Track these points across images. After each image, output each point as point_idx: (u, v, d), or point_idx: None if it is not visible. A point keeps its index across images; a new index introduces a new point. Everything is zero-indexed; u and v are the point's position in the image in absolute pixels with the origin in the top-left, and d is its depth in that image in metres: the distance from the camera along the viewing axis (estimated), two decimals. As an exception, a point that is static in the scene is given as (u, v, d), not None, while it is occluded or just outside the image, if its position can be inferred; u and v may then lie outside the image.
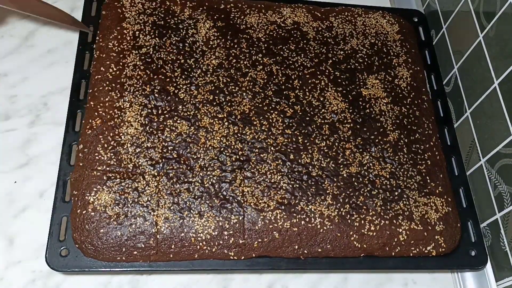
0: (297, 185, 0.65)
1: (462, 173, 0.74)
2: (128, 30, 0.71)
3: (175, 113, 0.67)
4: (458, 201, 0.71)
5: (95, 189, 0.61)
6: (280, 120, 0.69)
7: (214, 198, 0.63)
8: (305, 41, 0.77)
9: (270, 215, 0.63)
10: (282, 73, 0.73)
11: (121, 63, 0.69)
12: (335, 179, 0.66)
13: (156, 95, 0.68)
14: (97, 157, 0.63)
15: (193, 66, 0.71)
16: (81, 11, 0.75)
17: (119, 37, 0.71)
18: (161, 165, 0.64)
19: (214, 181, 0.64)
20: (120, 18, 0.72)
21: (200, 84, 0.70)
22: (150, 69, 0.69)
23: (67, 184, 0.63)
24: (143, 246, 0.60)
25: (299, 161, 0.67)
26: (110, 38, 0.71)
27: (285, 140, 0.68)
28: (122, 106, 0.66)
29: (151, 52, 0.70)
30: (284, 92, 0.72)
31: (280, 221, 0.63)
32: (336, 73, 0.75)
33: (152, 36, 0.72)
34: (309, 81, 0.73)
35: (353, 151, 0.69)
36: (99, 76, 0.68)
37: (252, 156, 0.66)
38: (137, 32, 0.72)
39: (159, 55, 0.71)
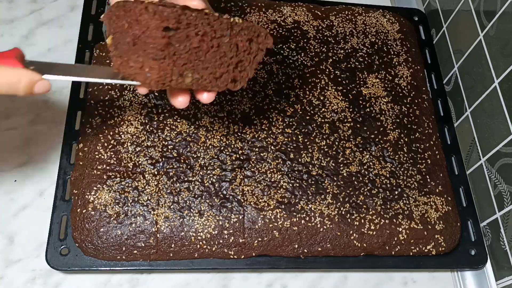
0: (297, 184, 0.65)
1: (462, 172, 0.74)
2: None
3: (175, 112, 0.67)
4: (458, 200, 0.71)
5: (95, 188, 0.61)
6: (280, 119, 0.69)
7: (214, 197, 0.63)
8: (305, 40, 0.77)
9: (270, 214, 0.63)
10: (282, 72, 0.73)
11: (121, 62, 0.69)
12: (335, 178, 0.66)
13: (156, 94, 0.68)
14: (97, 156, 0.63)
15: (193, 65, 0.71)
16: (81, 10, 0.75)
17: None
18: (161, 164, 0.64)
19: (214, 180, 0.64)
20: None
21: (200, 83, 0.70)
22: (150, 68, 0.69)
23: (67, 183, 0.63)
24: (143, 245, 0.60)
25: (299, 160, 0.67)
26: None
27: (285, 139, 0.68)
28: (122, 105, 0.66)
29: (151, 51, 0.70)
30: (284, 91, 0.71)
31: (280, 220, 0.63)
32: (336, 72, 0.75)
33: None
34: (309, 80, 0.73)
35: (353, 150, 0.69)
36: (99, 75, 0.68)
37: (252, 155, 0.66)
38: None
39: (159, 54, 0.70)
